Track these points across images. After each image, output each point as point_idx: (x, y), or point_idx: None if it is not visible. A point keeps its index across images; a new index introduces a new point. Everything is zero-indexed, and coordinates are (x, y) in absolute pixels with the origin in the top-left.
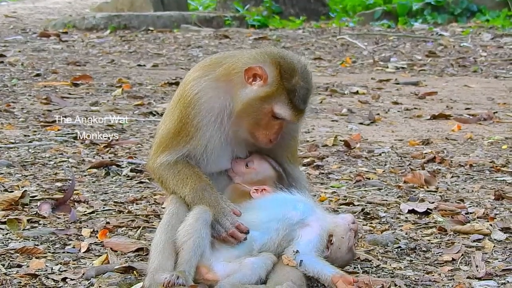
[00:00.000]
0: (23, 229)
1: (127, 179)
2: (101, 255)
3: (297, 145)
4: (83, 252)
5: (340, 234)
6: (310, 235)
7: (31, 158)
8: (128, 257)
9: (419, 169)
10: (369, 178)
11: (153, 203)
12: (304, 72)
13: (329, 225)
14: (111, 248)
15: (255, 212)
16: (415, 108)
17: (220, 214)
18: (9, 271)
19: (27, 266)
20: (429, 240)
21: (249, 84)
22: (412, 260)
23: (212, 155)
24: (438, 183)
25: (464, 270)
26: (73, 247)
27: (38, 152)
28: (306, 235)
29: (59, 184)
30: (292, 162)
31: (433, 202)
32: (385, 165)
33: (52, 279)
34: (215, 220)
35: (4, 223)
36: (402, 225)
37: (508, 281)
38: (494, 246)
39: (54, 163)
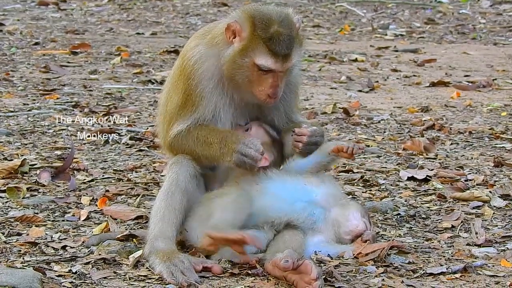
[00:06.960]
0: (23, 198)
1: (126, 147)
2: (100, 223)
3: (297, 99)
4: (83, 220)
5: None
6: (320, 239)
7: (30, 127)
8: (127, 225)
9: (418, 136)
10: (368, 145)
11: (153, 171)
12: (284, 20)
13: (337, 233)
14: (110, 216)
15: (272, 201)
16: (414, 75)
17: (243, 146)
18: (9, 239)
19: (27, 234)
20: (428, 207)
21: (231, 43)
22: (412, 227)
23: (219, 122)
24: (438, 150)
25: (463, 237)
26: (73, 215)
27: (37, 121)
28: (317, 238)
29: (58, 152)
30: (295, 111)
31: (432, 169)
32: (384, 132)
33: (52, 247)
34: (242, 154)
35: (3, 191)
36: (402, 192)
37: (508, 248)
38: (493, 213)
39: (53, 131)
